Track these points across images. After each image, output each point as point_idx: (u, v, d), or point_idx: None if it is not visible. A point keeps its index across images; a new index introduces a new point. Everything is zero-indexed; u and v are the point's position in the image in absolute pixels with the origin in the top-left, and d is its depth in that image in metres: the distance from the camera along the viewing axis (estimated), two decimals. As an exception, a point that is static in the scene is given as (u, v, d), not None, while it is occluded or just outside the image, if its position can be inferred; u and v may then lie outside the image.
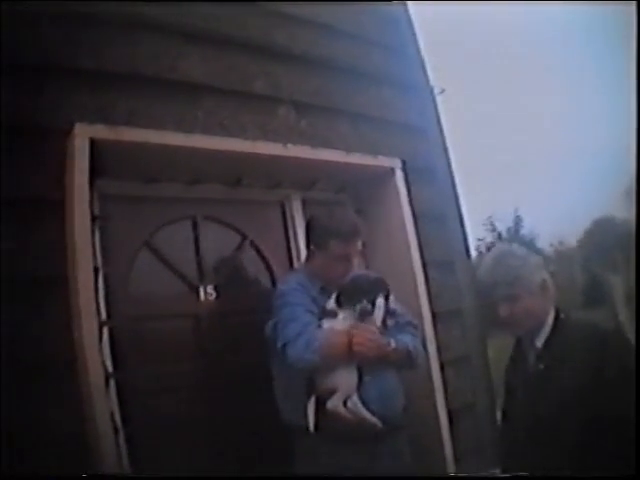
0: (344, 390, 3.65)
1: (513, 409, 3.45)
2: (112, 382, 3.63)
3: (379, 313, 3.80)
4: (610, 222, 29.58)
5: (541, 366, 3.26)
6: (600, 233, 28.68)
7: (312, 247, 4.03)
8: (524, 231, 32.54)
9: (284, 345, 3.64)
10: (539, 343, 3.29)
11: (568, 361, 3.12)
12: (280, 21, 4.66)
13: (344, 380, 3.68)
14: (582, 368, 3.05)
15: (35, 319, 3.25)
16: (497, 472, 3.64)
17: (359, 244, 3.97)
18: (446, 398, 4.93)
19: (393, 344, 3.81)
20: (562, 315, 3.34)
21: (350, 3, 5.19)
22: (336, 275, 3.91)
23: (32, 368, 3.17)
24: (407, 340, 3.95)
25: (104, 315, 3.71)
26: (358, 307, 3.73)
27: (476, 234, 31.09)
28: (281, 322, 3.72)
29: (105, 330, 3.68)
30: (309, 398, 3.67)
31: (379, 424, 3.69)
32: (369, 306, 3.75)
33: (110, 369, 3.64)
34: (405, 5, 5.95)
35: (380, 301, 3.81)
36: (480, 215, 31.78)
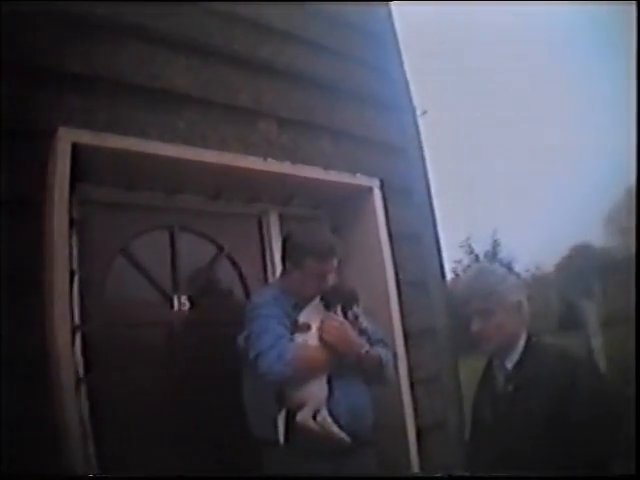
0: (314, 403, 3.67)
1: (480, 429, 3.48)
2: (83, 386, 3.64)
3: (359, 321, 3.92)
4: (588, 249, 29.64)
5: (510, 388, 3.30)
6: (577, 260, 28.73)
7: (288, 264, 4.05)
8: (502, 254, 32.57)
9: (256, 356, 3.66)
10: (509, 365, 3.34)
11: (537, 384, 3.16)
12: (266, 35, 4.69)
13: (314, 393, 3.70)
14: (551, 392, 3.10)
15: (8, 320, 3.23)
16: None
17: (335, 262, 3.99)
18: (415, 416, 4.94)
19: (367, 347, 3.87)
20: (534, 339, 3.39)
21: (336, 18, 5.22)
22: (310, 292, 3.94)
23: (3, 369, 3.16)
24: (379, 351, 4.00)
25: (78, 319, 3.72)
26: (346, 312, 3.86)
27: (453, 256, 31.11)
28: (254, 334, 3.73)
29: (78, 334, 3.69)
30: (279, 411, 3.69)
31: (347, 439, 3.71)
32: (358, 311, 3.90)
33: (81, 373, 3.65)
34: (392, 23, 5.99)
35: (357, 310, 3.90)
36: (458, 237, 31.82)
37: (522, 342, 3.37)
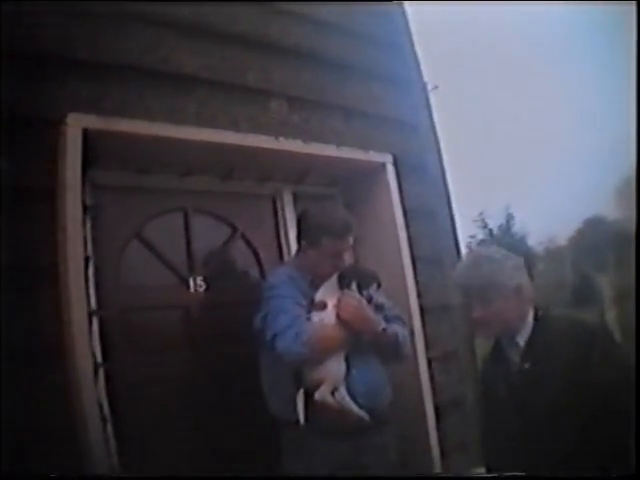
0: (331, 381, 3.68)
1: (496, 410, 3.46)
2: (101, 372, 3.64)
3: (376, 298, 3.94)
4: (601, 222, 29.58)
5: (527, 364, 3.28)
6: (591, 233, 28.67)
7: (303, 242, 4.04)
8: (515, 228, 32.57)
9: (273, 337, 3.66)
10: (521, 341, 3.34)
11: (554, 355, 3.17)
12: (273, 15, 4.66)
13: (332, 372, 3.71)
14: (569, 363, 3.10)
15: (25, 308, 3.26)
16: (483, 470, 3.66)
17: (350, 241, 3.98)
18: (433, 393, 4.94)
19: (383, 325, 3.87)
20: (540, 312, 3.39)
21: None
22: (326, 270, 3.93)
23: (21, 357, 3.17)
24: (396, 328, 3.99)
25: (94, 305, 3.72)
26: (360, 291, 3.86)
27: (468, 231, 31.09)
28: (270, 314, 3.73)
29: (95, 320, 3.69)
30: (298, 390, 3.69)
31: (366, 417, 3.72)
32: (372, 291, 3.89)
33: (99, 359, 3.66)
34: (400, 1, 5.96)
35: (374, 290, 3.91)
36: (472, 212, 31.78)
37: (530, 319, 3.37)
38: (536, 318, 3.37)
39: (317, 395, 3.65)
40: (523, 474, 3.03)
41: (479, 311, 3.34)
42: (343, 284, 3.86)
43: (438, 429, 4.90)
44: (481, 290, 3.32)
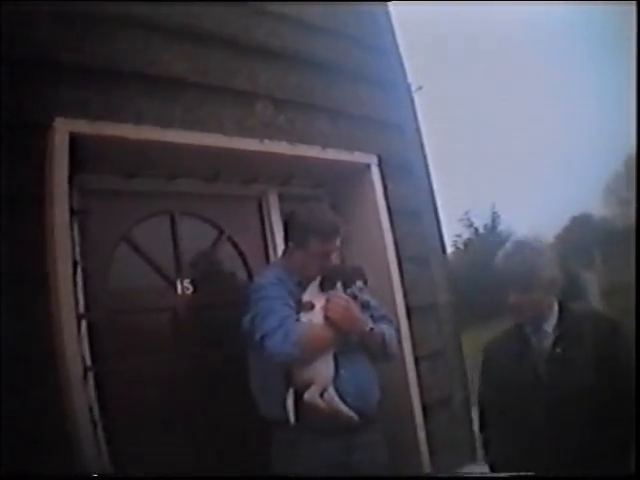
0: (321, 382, 3.70)
1: (526, 391, 3.51)
2: (90, 375, 3.65)
3: (362, 297, 3.95)
4: (588, 219, 29.70)
5: (558, 349, 3.45)
6: (577, 230, 28.76)
7: (290, 243, 4.06)
8: (501, 227, 32.60)
9: (262, 337, 3.67)
10: (549, 329, 3.51)
11: (584, 344, 3.38)
12: (259, 17, 4.69)
13: (321, 372, 3.73)
14: (598, 349, 3.34)
15: (14, 312, 3.26)
16: (474, 468, 3.71)
17: (338, 242, 4.00)
18: (421, 392, 4.96)
19: (370, 324, 3.90)
20: (563, 303, 3.58)
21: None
22: (314, 271, 3.95)
23: (11, 361, 3.18)
24: (383, 328, 4.03)
25: (82, 308, 3.73)
26: (345, 289, 3.88)
27: (453, 230, 31.14)
28: (259, 315, 3.75)
29: (83, 323, 3.70)
30: (287, 390, 3.72)
31: (355, 417, 3.75)
32: (356, 289, 3.89)
33: (88, 362, 3.67)
34: (384, 2, 5.98)
35: (360, 286, 3.91)
36: (457, 211, 31.81)
37: (556, 308, 3.55)
38: (561, 308, 3.54)
39: (306, 396, 3.67)
40: (528, 474, 3.10)
41: (515, 297, 3.51)
42: (327, 285, 3.88)
43: (426, 427, 4.93)
44: (521, 277, 3.48)
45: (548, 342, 3.49)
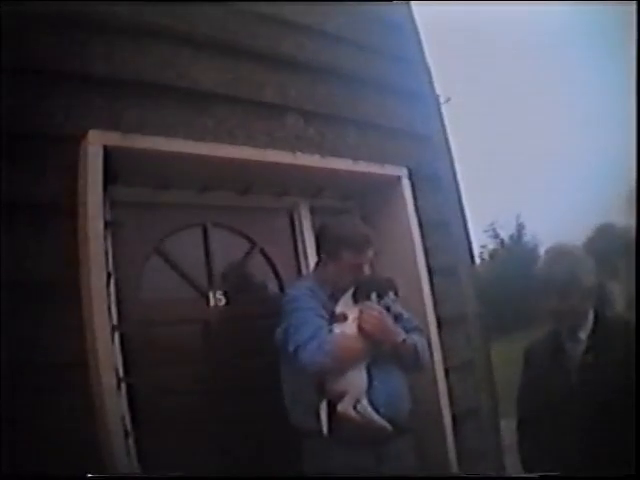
0: (354, 393, 3.70)
1: (560, 397, 3.55)
2: (123, 386, 3.67)
3: (395, 308, 4.01)
4: (611, 229, 29.51)
5: (590, 357, 3.50)
6: (601, 240, 28.58)
7: (323, 255, 4.09)
8: (526, 238, 32.51)
9: (296, 349, 3.69)
10: (583, 336, 3.55)
11: (615, 353, 3.40)
12: (287, 30, 4.71)
13: (354, 383, 3.73)
14: (628, 358, 3.30)
15: (48, 324, 3.29)
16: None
17: (370, 253, 4.02)
18: (451, 402, 4.96)
19: (403, 336, 3.91)
20: (599, 311, 3.62)
21: (356, 11, 5.23)
22: (346, 283, 3.97)
23: (45, 372, 3.21)
24: (415, 339, 4.03)
25: (115, 320, 3.76)
26: (379, 301, 3.90)
27: (479, 241, 31.10)
28: (292, 326, 3.76)
29: (116, 335, 3.72)
30: (320, 401, 3.73)
31: (388, 427, 3.75)
32: (389, 300, 3.94)
33: (121, 373, 3.68)
34: (411, 13, 5.99)
35: (392, 298, 3.94)
36: (483, 222, 31.78)
37: (591, 316, 3.59)
38: (596, 316, 3.58)
39: (340, 408, 3.68)
40: (529, 475, 3.12)
41: (555, 304, 3.55)
42: (362, 296, 3.89)
43: (455, 437, 4.92)
44: (563, 283, 3.52)
45: (581, 349, 3.53)
